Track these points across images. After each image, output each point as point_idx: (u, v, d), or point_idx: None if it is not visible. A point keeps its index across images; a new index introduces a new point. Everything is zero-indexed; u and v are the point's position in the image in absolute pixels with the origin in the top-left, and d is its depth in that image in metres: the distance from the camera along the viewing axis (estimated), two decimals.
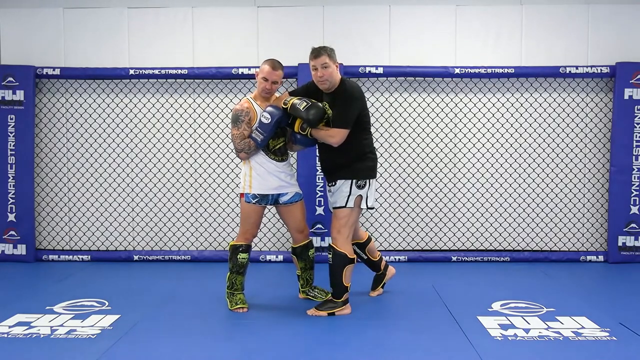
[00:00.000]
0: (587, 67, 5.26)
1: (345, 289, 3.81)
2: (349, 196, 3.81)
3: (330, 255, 3.80)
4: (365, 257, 4.27)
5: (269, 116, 3.75)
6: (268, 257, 5.41)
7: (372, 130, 5.42)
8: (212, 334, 3.52)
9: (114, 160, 5.55)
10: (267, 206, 3.99)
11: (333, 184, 3.87)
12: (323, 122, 3.82)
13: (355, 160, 3.84)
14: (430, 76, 5.36)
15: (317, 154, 4.16)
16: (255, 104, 3.88)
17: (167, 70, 5.33)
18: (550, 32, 5.40)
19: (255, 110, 3.85)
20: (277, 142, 3.92)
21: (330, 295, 3.93)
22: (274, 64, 3.85)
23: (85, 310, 3.90)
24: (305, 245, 4.10)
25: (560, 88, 5.42)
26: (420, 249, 5.53)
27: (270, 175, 3.87)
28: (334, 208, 3.88)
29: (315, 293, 4.14)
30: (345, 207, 3.81)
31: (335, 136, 3.72)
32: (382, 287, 4.36)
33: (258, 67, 5.31)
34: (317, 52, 3.77)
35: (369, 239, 4.27)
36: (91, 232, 5.58)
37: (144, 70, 5.34)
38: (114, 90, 5.52)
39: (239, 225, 5.49)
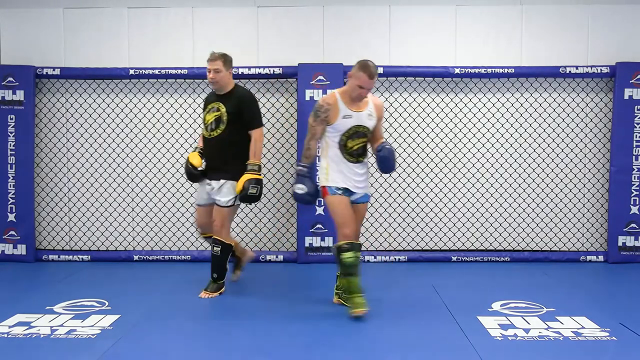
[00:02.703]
0: (587, 67, 5.26)
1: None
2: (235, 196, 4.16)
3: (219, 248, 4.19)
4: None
5: (301, 190, 3.82)
6: (268, 257, 5.41)
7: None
8: (212, 334, 3.52)
9: (114, 160, 5.54)
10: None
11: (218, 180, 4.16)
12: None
13: (242, 162, 4.16)
14: (430, 76, 5.36)
15: (203, 150, 4.33)
16: (340, 101, 3.76)
17: (167, 70, 5.34)
18: (550, 32, 5.40)
19: (339, 108, 3.74)
20: (356, 142, 3.81)
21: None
22: (372, 72, 3.69)
23: (85, 310, 3.89)
24: (353, 245, 3.89)
25: (560, 88, 5.42)
26: (420, 249, 5.53)
27: (343, 175, 3.79)
28: (221, 205, 4.16)
29: (355, 300, 3.93)
30: (232, 205, 4.20)
31: (260, 138, 4.21)
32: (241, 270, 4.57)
33: (258, 67, 5.34)
34: (213, 57, 4.19)
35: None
36: (91, 232, 5.58)
37: (144, 70, 5.34)
38: (114, 90, 5.52)
39: (239, 225, 5.53)
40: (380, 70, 5.27)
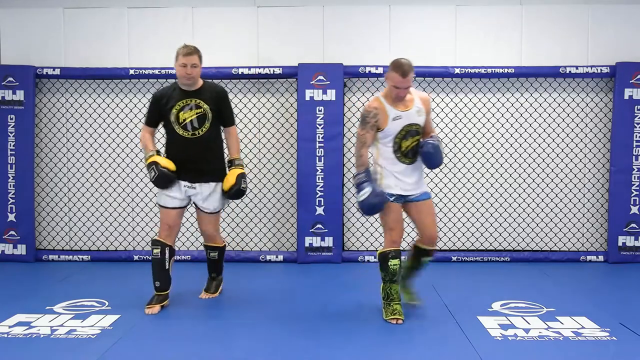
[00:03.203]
0: (587, 67, 5.25)
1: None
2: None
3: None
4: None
5: (365, 194, 3.59)
6: (268, 257, 5.41)
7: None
8: (212, 334, 3.52)
9: (114, 160, 5.54)
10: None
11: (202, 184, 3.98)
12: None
13: (222, 161, 4.09)
14: (430, 76, 5.36)
15: (178, 153, 3.94)
16: (386, 104, 3.64)
17: (167, 70, 5.33)
18: (550, 32, 5.40)
19: (386, 110, 3.61)
20: (410, 142, 3.68)
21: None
22: (405, 71, 3.51)
23: (85, 310, 3.89)
24: (425, 250, 3.87)
25: (560, 88, 5.42)
26: None
27: (395, 179, 3.68)
28: (212, 212, 4.05)
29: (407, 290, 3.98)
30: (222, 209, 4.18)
31: (237, 134, 4.16)
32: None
33: (258, 67, 5.34)
34: (190, 50, 3.99)
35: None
36: (91, 232, 5.58)
37: (144, 70, 5.34)
38: (114, 90, 5.52)
39: (239, 225, 5.53)
40: (380, 70, 5.28)
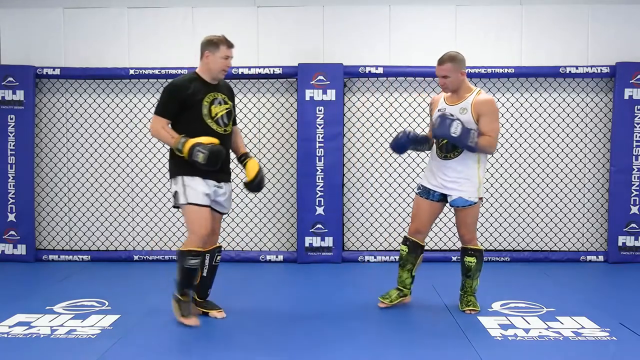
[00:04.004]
0: (587, 67, 5.26)
1: None
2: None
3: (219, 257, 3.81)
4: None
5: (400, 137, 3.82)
6: (268, 257, 5.41)
7: (372, 130, 5.48)
8: (212, 334, 3.51)
9: (114, 160, 5.54)
10: (437, 202, 3.83)
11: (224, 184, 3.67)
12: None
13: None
14: (430, 76, 5.36)
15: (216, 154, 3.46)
16: (443, 97, 3.84)
17: (167, 70, 5.33)
18: (550, 32, 5.40)
19: (438, 102, 3.84)
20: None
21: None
22: (441, 60, 3.70)
23: (85, 310, 3.89)
24: (464, 249, 3.88)
25: (560, 88, 5.42)
26: None
27: (430, 171, 3.85)
28: (226, 213, 3.79)
29: (468, 299, 3.90)
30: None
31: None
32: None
33: (258, 67, 5.35)
34: (231, 44, 3.69)
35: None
36: (91, 232, 5.58)
37: (144, 70, 5.34)
38: (114, 90, 5.52)
39: (239, 225, 5.53)
40: (380, 70, 5.29)
